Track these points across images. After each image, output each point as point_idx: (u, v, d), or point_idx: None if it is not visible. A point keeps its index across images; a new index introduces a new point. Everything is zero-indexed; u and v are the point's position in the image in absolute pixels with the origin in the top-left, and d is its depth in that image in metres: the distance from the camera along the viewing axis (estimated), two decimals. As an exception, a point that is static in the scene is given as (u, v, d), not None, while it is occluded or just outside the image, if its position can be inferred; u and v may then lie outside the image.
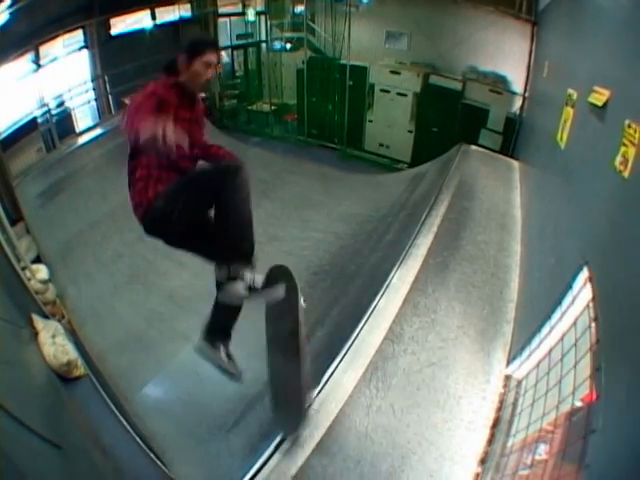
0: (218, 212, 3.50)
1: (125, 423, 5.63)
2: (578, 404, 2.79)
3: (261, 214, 9.40)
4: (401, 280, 5.08)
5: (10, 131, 10.45)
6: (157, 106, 3.18)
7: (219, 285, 3.92)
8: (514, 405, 3.85)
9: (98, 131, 12.94)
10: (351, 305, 5.89)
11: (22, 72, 10.94)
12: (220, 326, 4.56)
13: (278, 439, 3.71)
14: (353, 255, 7.38)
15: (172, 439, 5.27)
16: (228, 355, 4.60)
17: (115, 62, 13.30)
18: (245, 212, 3.60)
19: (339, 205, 9.37)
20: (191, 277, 7.80)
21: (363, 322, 4.58)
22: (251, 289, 3.66)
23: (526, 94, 9.25)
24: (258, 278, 3.73)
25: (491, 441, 3.72)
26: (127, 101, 13.08)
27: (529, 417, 3.42)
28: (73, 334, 6.95)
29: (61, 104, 12.45)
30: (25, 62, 10.98)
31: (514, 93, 9.70)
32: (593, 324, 2.85)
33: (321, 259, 7.65)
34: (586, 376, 2.73)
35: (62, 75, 12.17)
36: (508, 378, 4.22)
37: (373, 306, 4.76)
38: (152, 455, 5.12)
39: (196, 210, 3.62)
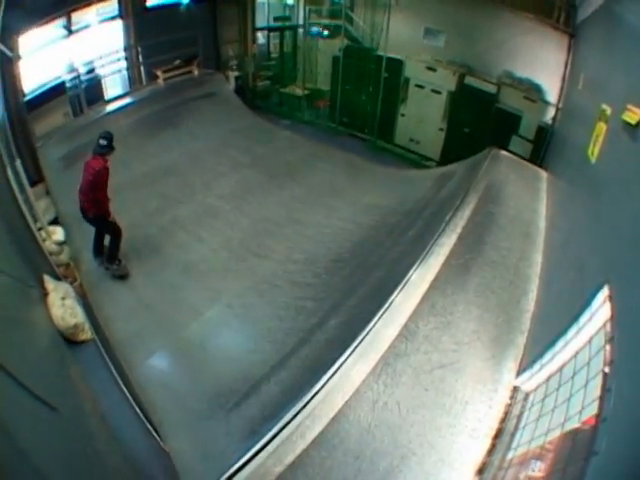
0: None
1: (126, 391, 5.63)
2: (583, 424, 2.72)
3: (285, 196, 9.43)
4: (421, 277, 5.01)
5: (37, 93, 10.47)
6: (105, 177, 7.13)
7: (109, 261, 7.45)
8: (519, 418, 3.77)
9: (127, 100, 12.97)
10: (368, 297, 5.81)
11: (53, 37, 10.96)
12: (111, 256, 7.44)
13: (280, 425, 3.65)
14: (374, 247, 7.30)
15: (171, 413, 5.25)
16: (118, 264, 7.45)
17: (149, 34, 13.25)
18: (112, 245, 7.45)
19: (364, 195, 9.31)
20: (208, 253, 7.85)
21: (378, 316, 4.52)
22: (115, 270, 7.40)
23: (559, 105, 9.12)
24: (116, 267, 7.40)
25: (491, 452, 3.65)
26: (159, 73, 13.34)
27: (532, 432, 3.34)
28: (83, 297, 6.97)
29: (91, 71, 12.46)
30: (56, 27, 11.00)
31: (547, 103, 9.56)
32: (608, 345, 2.77)
33: (342, 247, 7.62)
34: (595, 397, 2.66)
35: (94, 43, 12.18)
36: (516, 389, 4.13)
37: (390, 300, 4.69)
38: (149, 426, 5.12)
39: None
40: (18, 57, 9.54)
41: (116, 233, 7.40)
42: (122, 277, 7.36)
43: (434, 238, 5.61)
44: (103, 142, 7.00)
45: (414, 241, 6.54)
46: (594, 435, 2.47)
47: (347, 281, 6.67)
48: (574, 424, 2.83)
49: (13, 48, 9.16)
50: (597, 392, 2.67)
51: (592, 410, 2.65)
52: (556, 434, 2.99)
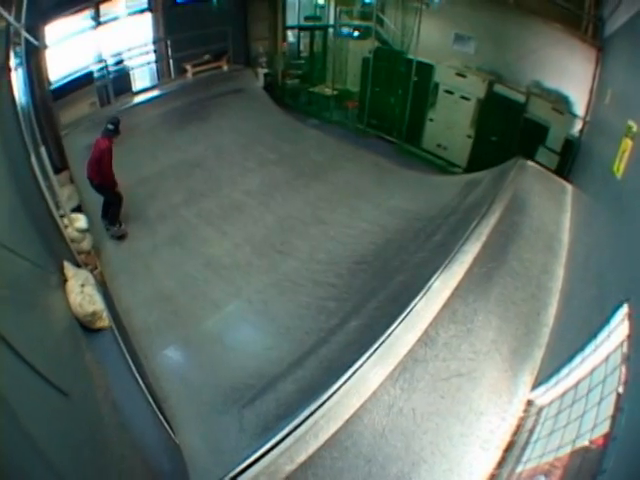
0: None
1: (140, 381, 5.66)
2: (592, 443, 2.69)
3: (311, 195, 9.44)
4: (444, 284, 4.98)
5: (64, 82, 10.63)
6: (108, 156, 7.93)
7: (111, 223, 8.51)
8: (531, 432, 3.74)
9: (155, 93, 13.12)
10: (389, 300, 5.81)
11: (80, 27, 11.12)
12: (112, 218, 8.46)
13: (293, 423, 3.66)
14: (398, 251, 7.29)
15: (185, 405, 5.28)
16: (119, 226, 8.51)
17: (178, 28, 13.42)
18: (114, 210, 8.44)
19: (390, 198, 9.27)
20: (232, 247, 7.89)
21: (399, 320, 4.51)
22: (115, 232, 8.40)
23: (587, 118, 9.02)
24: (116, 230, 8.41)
25: (501, 464, 3.62)
26: (188, 67, 13.60)
27: (544, 447, 3.31)
28: (103, 286, 7.03)
29: (119, 62, 12.63)
30: (84, 18, 11.16)
31: (575, 115, 9.45)
32: (624, 364, 2.75)
33: (365, 249, 7.60)
34: (607, 415, 2.64)
35: (122, 35, 12.35)
36: (530, 403, 4.10)
37: (412, 306, 4.68)
38: (161, 417, 5.13)
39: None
40: (44, 46, 9.67)
41: (118, 201, 8.48)
42: (120, 238, 8.45)
43: (458, 245, 5.59)
44: (110, 126, 7.97)
45: (438, 247, 6.51)
46: (603, 453, 2.45)
47: (369, 284, 6.66)
48: (585, 441, 2.80)
49: (39, 37, 9.27)
50: (610, 411, 2.65)
51: (603, 428, 2.63)
52: (566, 451, 2.96)
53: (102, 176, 8.05)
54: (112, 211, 8.44)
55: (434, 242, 6.86)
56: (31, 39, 8.05)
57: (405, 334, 4.39)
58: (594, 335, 3.44)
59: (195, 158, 10.93)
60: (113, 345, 6.29)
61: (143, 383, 5.69)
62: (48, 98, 10.05)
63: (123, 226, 8.54)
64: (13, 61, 7.01)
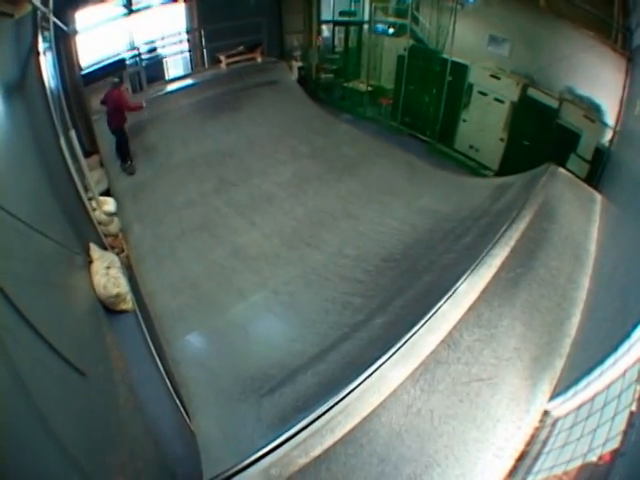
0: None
1: (159, 365, 5.73)
2: (600, 458, 2.67)
3: (342, 190, 9.46)
4: (470, 287, 4.94)
5: (96, 68, 10.86)
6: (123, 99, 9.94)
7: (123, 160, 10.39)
8: (544, 443, 3.70)
9: (188, 81, 13.26)
10: (415, 300, 5.80)
11: (112, 14, 11.34)
12: (124, 157, 10.26)
13: (311, 417, 3.67)
14: (427, 251, 7.24)
15: (203, 391, 5.32)
16: (130, 163, 10.33)
17: (212, 18, 13.55)
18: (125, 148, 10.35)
19: (420, 197, 9.20)
20: (260, 238, 7.93)
21: (424, 320, 4.49)
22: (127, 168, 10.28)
23: (617, 128, 8.88)
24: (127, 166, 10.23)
25: (511, 473, 3.59)
26: (222, 57, 13.75)
27: (555, 459, 3.28)
28: (129, 269, 7.12)
29: (152, 50, 12.85)
30: (116, 5, 11.40)
31: (606, 124, 9.31)
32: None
33: (394, 247, 7.57)
34: (619, 431, 2.61)
35: (156, 23, 12.56)
36: (546, 413, 4.06)
37: (437, 307, 4.65)
38: (177, 402, 5.19)
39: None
40: (74, 32, 9.82)
41: (126, 140, 10.31)
42: (130, 174, 10.23)
43: (487, 248, 5.54)
44: (116, 79, 9.86)
45: (467, 249, 6.47)
46: (610, 469, 2.44)
47: (396, 282, 6.63)
48: (595, 456, 2.78)
49: (69, 23, 9.39)
50: (622, 426, 2.63)
51: (614, 444, 2.61)
52: (577, 464, 2.94)
53: (118, 120, 9.87)
54: (124, 149, 10.23)
55: (463, 244, 6.82)
56: (60, 24, 8.15)
57: (429, 335, 4.37)
58: (614, 349, 3.41)
59: (227, 147, 11.03)
60: (135, 328, 6.39)
61: (162, 367, 5.76)
62: (79, 83, 10.24)
63: (134, 163, 10.39)
64: (41, 45, 7.09)
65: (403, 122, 13.49)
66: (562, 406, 3.91)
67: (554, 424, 3.83)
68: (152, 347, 6.12)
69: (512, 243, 5.65)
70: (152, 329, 6.33)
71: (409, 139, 12.97)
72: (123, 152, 10.25)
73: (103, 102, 9.79)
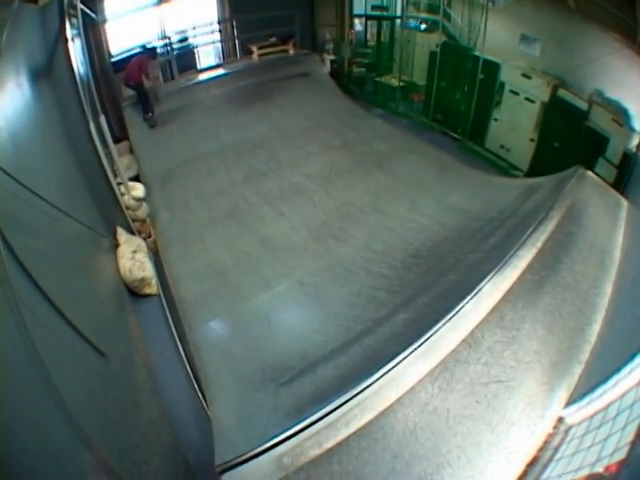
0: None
1: (180, 349, 5.81)
2: (608, 468, 2.68)
3: (372, 184, 9.48)
4: (495, 287, 4.93)
5: (127, 55, 11.10)
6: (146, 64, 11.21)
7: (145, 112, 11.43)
8: (555, 450, 3.68)
9: (220, 71, 13.37)
10: (439, 298, 5.78)
11: (143, 3, 11.53)
12: (145, 109, 11.08)
13: (327, 409, 3.70)
14: (454, 249, 7.21)
15: (221, 377, 5.38)
16: (152, 115, 11.32)
17: (244, 9, 13.66)
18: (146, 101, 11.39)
19: (450, 195, 9.14)
20: (288, 228, 7.99)
21: (447, 318, 4.50)
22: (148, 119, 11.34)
23: (643, 134, 8.78)
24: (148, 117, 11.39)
25: (521, 479, 3.59)
26: (254, 49, 13.81)
27: (565, 467, 3.29)
28: (155, 254, 7.22)
29: (184, 39, 13.05)
30: None
31: (633, 129, 9.20)
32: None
33: (421, 244, 7.55)
34: (627, 441, 2.61)
35: (187, 12, 12.74)
36: (560, 420, 4.04)
37: (460, 306, 4.65)
38: (195, 387, 5.26)
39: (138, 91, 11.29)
40: (103, 19, 9.96)
41: (146, 95, 11.26)
42: (152, 126, 11.23)
43: (514, 249, 5.51)
44: (152, 53, 11.80)
45: (493, 249, 6.45)
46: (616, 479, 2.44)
47: (422, 279, 6.62)
48: (601, 467, 2.79)
49: (97, 10, 9.50)
50: (630, 437, 2.63)
51: (622, 454, 2.61)
52: (584, 474, 2.95)
53: (137, 76, 10.70)
54: (145, 102, 11.20)
55: (490, 244, 6.78)
56: (88, 11, 8.25)
57: (450, 333, 4.38)
58: (631, 357, 3.40)
59: (257, 138, 11.11)
60: (158, 312, 6.50)
61: (183, 352, 5.84)
62: (109, 70, 10.40)
63: (154, 115, 11.38)
64: (69, 32, 7.18)
65: (435, 119, 13.43)
66: (577, 413, 3.89)
67: (567, 431, 3.81)
68: (174, 331, 6.21)
69: (539, 245, 5.61)
70: (175, 314, 6.42)
71: (440, 136, 12.90)
72: (145, 105, 11.19)
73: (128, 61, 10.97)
